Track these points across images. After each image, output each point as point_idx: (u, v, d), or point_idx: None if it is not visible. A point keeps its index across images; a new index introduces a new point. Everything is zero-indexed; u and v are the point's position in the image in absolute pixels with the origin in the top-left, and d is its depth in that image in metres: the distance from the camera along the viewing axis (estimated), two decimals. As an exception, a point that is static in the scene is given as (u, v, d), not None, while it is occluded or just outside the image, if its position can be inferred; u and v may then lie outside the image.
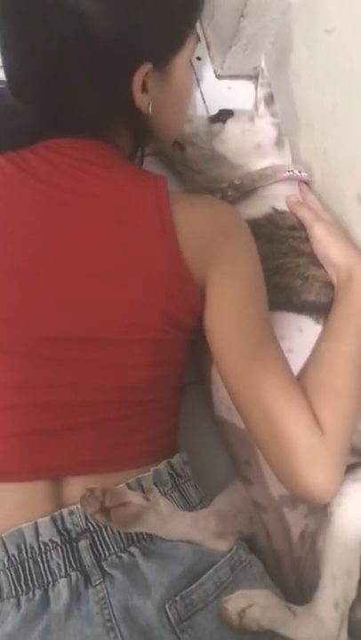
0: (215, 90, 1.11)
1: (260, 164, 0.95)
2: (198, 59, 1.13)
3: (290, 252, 0.88)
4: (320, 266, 0.88)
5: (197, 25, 0.80)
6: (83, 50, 0.68)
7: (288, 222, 0.91)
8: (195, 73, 1.12)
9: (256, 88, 0.93)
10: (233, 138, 0.95)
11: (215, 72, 1.12)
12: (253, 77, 0.95)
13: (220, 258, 0.75)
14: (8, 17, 0.69)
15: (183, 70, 0.78)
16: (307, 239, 0.89)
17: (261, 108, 0.94)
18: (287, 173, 0.94)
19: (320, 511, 0.77)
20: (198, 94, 1.11)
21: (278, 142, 0.97)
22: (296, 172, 0.95)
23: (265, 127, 0.95)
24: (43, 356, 0.71)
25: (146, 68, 0.71)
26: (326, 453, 0.68)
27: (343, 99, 0.86)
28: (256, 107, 0.94)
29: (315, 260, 0.88)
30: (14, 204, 0.74)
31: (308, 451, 0.68)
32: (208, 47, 1.13)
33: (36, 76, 0.71)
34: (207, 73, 1.13)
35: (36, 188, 0.74)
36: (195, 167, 0.99)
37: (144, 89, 0.73)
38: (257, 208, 0.92)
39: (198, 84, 1.11)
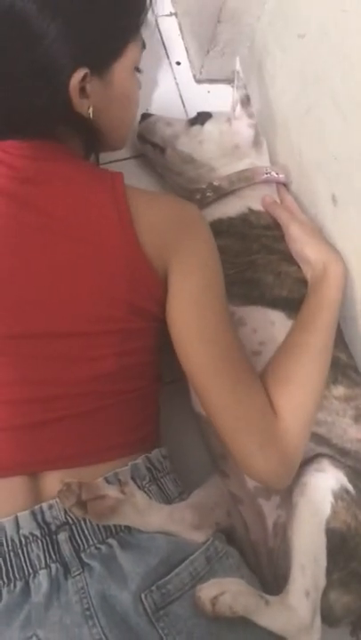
0: (194, 94, 1.12)
1: (238, 164, 0.96)
2: (178, 63, 1.14)
3: (262, 249, 0.90)
4: (293, 263, 0.89)
5: (146, 32, 0.82)
6: (19, 50, 0.70)
7: (262, 222, 0.93)
8: (175, 77, 1.13)
9: (233, 90, 0.94)
10: (211, 139, 0.96)
11: (194, 76, 1.13)
12: (232, 81, 0.96)
13: (180, 250, 0.76)
14: None
15: (125, 77, 0.80)
16: (280, 238, 0.91)
17: (238, 109, 0.95)
18: (265, 175, 0.95)
19: (290, 502, 0.78)
20: (178, 98, 1.11)
21: (256, 143, 0.98)
22: (274, 173, 0.96)
23: (242, 128, 0.96)
24: (10, 353, 0.72)
25: (82, 72, 0.72)
26: (279, 439, 0.70)
27: (316, 101, 0.88)
28: (233, 108, 0.95)
29: (287, 258, 0.90)
30: None
31: (261, 434, 0.70)
32: (187, 52, 1.14)
33: None
34: (186, 77, 1.14)
35: (9, 197, 0.74)
36: (175, 169, 1.00)
37: (83, 93, 0.74)
38: (233, 208, 0.94)
39: (178, 88, 1.13)
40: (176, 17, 1.16)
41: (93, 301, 0.73)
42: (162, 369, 0.85)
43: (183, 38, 1.15)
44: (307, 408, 0.75)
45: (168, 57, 1.14)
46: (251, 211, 0.93)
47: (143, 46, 0.83)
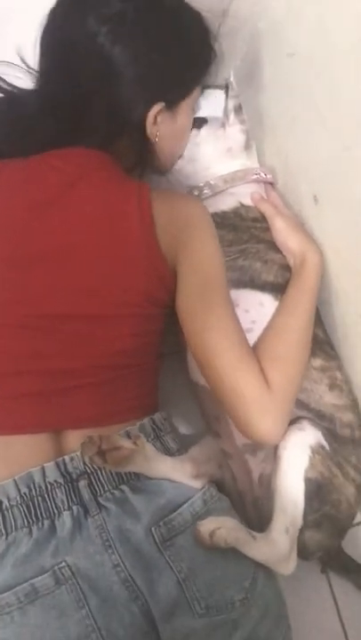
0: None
1: (231, 165, 1.02)
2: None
3: (251, 239, 0.96)
4: (278, 251, 0.96)
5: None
6: (107, 86, 0.80)
7: (251, 215, 0.99)
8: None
9: (226, 99, 1.00)
10: (207, 142, 1.01)
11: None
12: (224, 87, 1.03)
13: (189, 245, 0.82)
14: (53, 50, 0.82)
15: (187, 113, 0.92)
16: (267, 229, 0.97)
17: (232, 117, 1.00)
18: (255, 176, 1.01)
19: (274, 457, 0.86)
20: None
21: (247, 146, 1.04)
22: (262, 174, 1.02)
23: (235, 133, 1.02)
24: (45, 330, 0.79)
25: (160, 106, 0.83)
26: (273, 405, 0.77)
27: (302, 112, 0.93)
28: (227, 116, 1.00)
29: (273, 247, 0.96)
30: (20, 203, 0.82)
31: (258, 403, 0.76)
32: None
33: (66, 99, 0.81)
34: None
35: (37, 190, 0.82)
36: (175, 167, 1.04)
37: (155, 122, 0.84)
38: (226, 202, 1.00)
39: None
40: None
41: (115, 289, 0.81)
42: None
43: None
44: (295, 380, 0.83)
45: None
46: (242, 205, 0.99)
47: (202, 89, 0.97)
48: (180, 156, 1.01)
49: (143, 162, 0.92)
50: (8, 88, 0.87)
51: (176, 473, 0.82)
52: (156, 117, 0.85)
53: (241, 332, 0.81)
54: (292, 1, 0.90)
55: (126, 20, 0.79)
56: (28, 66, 0.88)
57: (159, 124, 0.87)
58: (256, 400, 0.77)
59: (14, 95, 0.87)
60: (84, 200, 0.82)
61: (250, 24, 1.00)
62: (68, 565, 0.73)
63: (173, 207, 0.84)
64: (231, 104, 1.01)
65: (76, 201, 0.82)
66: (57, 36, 0.83)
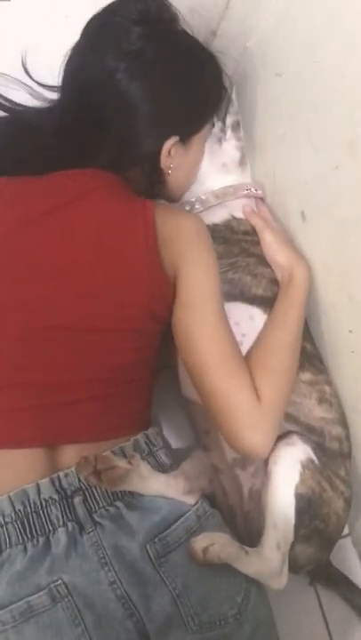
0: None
1: (225, 180, 1.04)
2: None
3: (241, 252, 0.97)
4: (267, 265, 0.97)
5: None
6: (123, 119, 0.82)
7: (242, 228, 1.00)
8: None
9: (225, 116, 1.01)
10: (203, 158, 1.02)
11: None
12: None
13: (188, 261, 0.83)
14: (74, 82, 0.85)
15: (199, 146, 0.95)
16: (258, 243, 0.98)
17: (229, 132, 1.02)
18: (245, 191, 1.02)
19: (264, 472, 0.87)
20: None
21: (242, 163, 1.05)
22: (253, 189, 1.03)
23: (231, 149, 1.03)
24: (43, 342, 0.79)
25: (174, 139, 0.85)
26: (263, 419, 0.78)
27: (289, 131, 0.94)
28: (224, 131, 1.02)
29: (263, 261, 0.97)
30: (24, 219, 0.82)
31: (248, 418, 0.78)
32: None
33: (82, 129, 0.84)
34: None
35: (44, 207, 0.82)
36: None
37: (169, 154, 0.86)
38: (218, 215, 1.01)
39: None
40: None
41: (117, 304, 0.81)
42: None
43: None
44: (284, 393, 0.84)
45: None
46: (233, 217, 1.00)
47: (213, 124, 1.00)
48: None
49: (153, 191, 0.93)
50: (24, 111, 0.90)
51: (170, 490, 0.82)
52: (170, 150, 0.88)
53: (234, 346, 0.82)
54: (280, 21, 0.91)
55: (145, 57, 0.82)
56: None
57: (173, 156, 0.89)
58: (247, 415, 0.78)
59: (30, 119, 0.90)
60: (89, 215, 0.82)
61: (238, 44, 1.01)
62: (65, 583, 0.73)
63: (176, 224, 0.85)
64: (230, 120, 1.03)
65: (80, 216, 0.82)
66: (78, 70, 0.85)
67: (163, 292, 0.83)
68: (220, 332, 0.82)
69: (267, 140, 1.03)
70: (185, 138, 0.91)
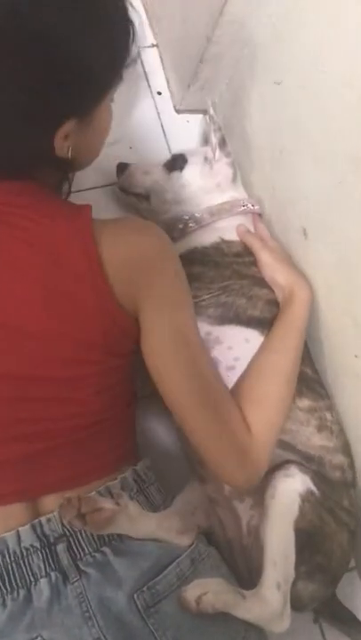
0: (175, 123, 1.14)
1: (220, 198, 1.00)
2: (159, 93, 1.15)
3: (233, 275, 0.93)
4: (263, 286, 0.93)
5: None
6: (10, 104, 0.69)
7: (233, 250, 0.96)
8: (156, 107, 1.15)
9: (210, 133, 0.96)
10: (193, 181, 0.99)
11: (175, 107, 1.14)
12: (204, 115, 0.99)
13: (150, 288, 0.75)
14: None
15: (103, 114, 0.78)
16: (251, 264, 0.94)
17: (217, 152, 0.97)
18: (242, 208, 0.98)
19: (262, 503, 0.82)
20: (159, 127, 1.13)
21: (235, 178, 1.01)
22: (250, 205, 0.99)
23: (222, 168, 0.99)
24: (5, 394, 0.73)
25: (71, 123, 0.72)
26: (253, 452, 0.75)
27: (289, 143, 0.91)
28: (213, 152, 0.97)
29: (258, 282, 0.93)
30: None
31: (237, 453, 0.75)
32: (168, 83, 1.15)
33: None
34: (167, 107, 1.15)
35: None
36: (160, 211, 1.02)
37: (65, 138, 0.73)
38: (206, 238, 0.97)
39: (159, 117, 1.14)
40: (157, 48, 1.16)
41: (69, 347, 0.73)
42: (137, 385, 0.85)
43: (164, 70, 1.15)
44: (277, 424, 0.80)
45: (150, 87, 1.15)
46: (223, 240, 0.96)
47: (121, 77, 0.78)
48: (150, 194, 0.97)
49: (66, 178, 0.83)
50: None
51: (162, 531, 0.77)
52: (67, 134, 0.73)
53: (215, 374, 0.79)
54: (279, 28, 0.88)
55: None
56: None
57: (70, 137, 0.74)
58: (236, 449, 0.75)
59: None
60: (21, 246, 0.73)
61: (234, 50, 0.98)
62: None
63: (126, 245, 0.76)
64: (215, 139, 0.98)
65: (10, 250, 0.73)
66: None
67: (121, 327, 0.75)
68: (198, 365, 0.77)
69: (265, 153, 0.99)
70: (85, 115, 0.74)
